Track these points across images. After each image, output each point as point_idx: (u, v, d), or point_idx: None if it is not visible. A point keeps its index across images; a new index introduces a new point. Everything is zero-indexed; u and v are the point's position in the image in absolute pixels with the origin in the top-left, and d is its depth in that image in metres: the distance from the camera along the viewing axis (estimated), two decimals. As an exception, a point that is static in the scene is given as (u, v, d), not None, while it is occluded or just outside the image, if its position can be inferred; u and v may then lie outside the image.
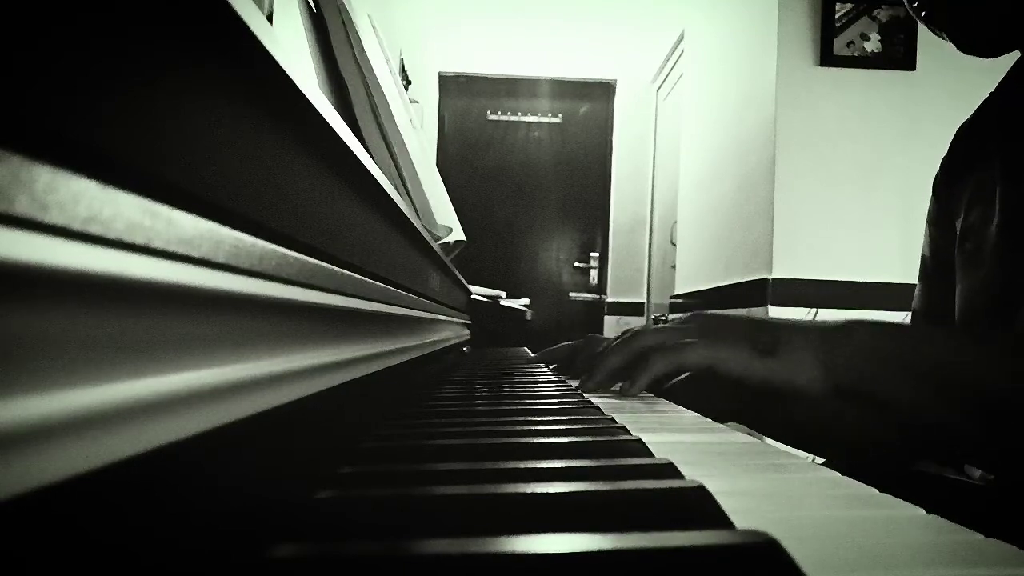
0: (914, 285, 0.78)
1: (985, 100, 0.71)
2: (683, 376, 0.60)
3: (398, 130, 0.81)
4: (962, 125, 0.73)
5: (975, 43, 0.62)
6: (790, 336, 0.52)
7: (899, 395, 0.49)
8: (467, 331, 1.15)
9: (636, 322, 3.79)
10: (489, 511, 0.19)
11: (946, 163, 0.75)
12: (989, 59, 0.64)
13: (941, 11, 0.62)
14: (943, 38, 0.64)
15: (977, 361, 0.48)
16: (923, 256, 0.77)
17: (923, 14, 0.64)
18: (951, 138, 0.74)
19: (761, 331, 0.53)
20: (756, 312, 2.05)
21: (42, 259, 0.11)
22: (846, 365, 0.50)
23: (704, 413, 0.48)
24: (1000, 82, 0.68)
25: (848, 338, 0.51)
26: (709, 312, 0.58)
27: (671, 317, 3.03)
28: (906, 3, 0.66)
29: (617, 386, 0.59)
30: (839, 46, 1.94)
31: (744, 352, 0.51)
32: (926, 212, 0.77)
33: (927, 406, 0.48)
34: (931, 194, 0.76)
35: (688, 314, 0.61)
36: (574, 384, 0.66)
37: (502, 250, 3.92)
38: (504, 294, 1.75)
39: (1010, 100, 0.66)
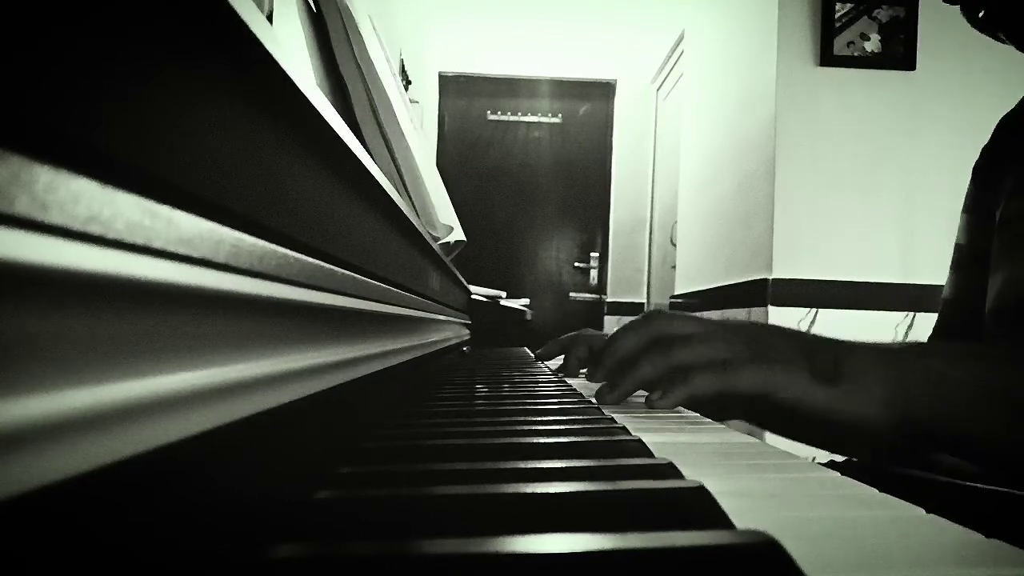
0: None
1: None
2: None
3: (398, 130, 0.81)
4: (1006, 115, 0.72)
5: None
6: (855, 358, 0.45)
7: (977, 427, 0.43)
8: (467, 331, 1.15)
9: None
10: (489, 511, 0.19)
11: (987, 151, 0.73)
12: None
13: (1006, 18, 0.60)
14: (1003, 41, 0.62)
15: None
16: (957, 244, 0.75)
17: (981, 15, 0.61)
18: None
19: (820, 351, 0.46)
20: (756, 312, 2.05)
21: (42, 259, 0.11)
22: (922, 395, 0.43)
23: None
24: None
25: (921, 362, 0.44)
26: (757, 324, 0.49)
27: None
28: (963, 12, 0.62)
29: (642, 396, 0.51)
30: (839, 46, 1.94)
31: (803, 376, 0.44)
32: (963, 197, 0.75)
33: (1003, 435, 0.43)
34: (970, 181, 0.75)
35: (729, 321, 0.51)
36: (573, 382, 0.66)
37: (502, 250, 3.92)
38: (504, 294, 1.75)
39: None
